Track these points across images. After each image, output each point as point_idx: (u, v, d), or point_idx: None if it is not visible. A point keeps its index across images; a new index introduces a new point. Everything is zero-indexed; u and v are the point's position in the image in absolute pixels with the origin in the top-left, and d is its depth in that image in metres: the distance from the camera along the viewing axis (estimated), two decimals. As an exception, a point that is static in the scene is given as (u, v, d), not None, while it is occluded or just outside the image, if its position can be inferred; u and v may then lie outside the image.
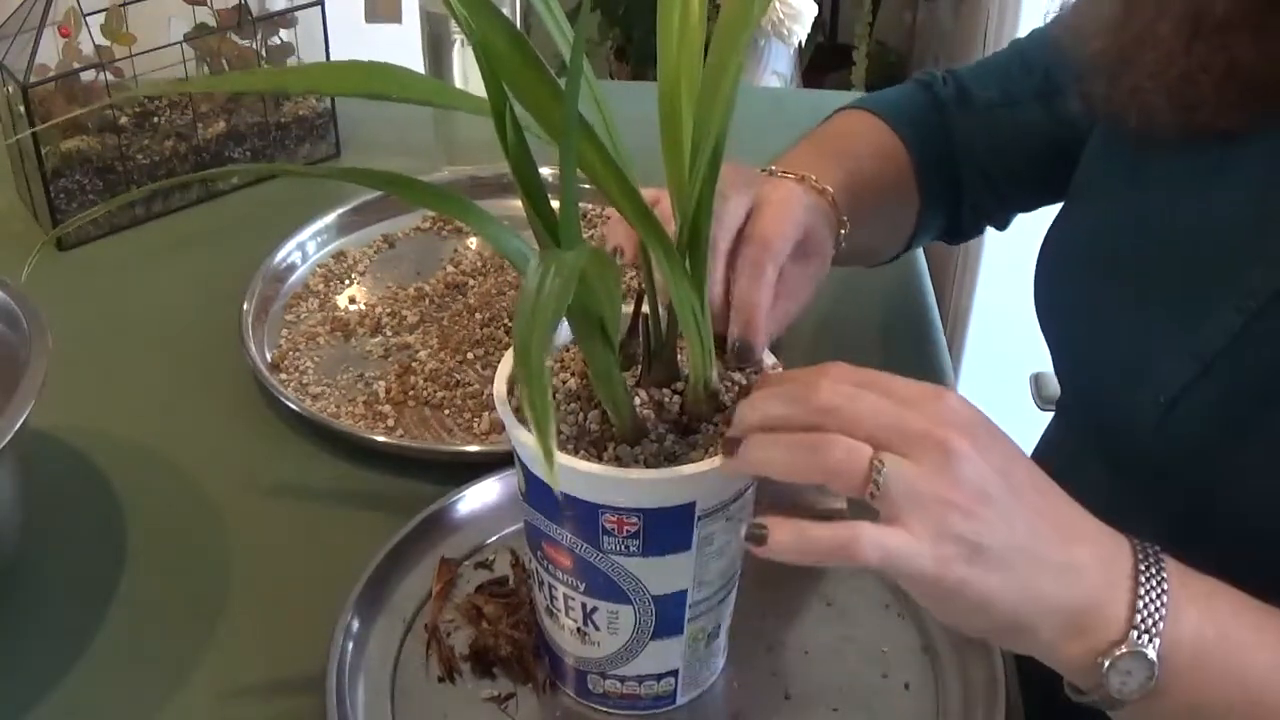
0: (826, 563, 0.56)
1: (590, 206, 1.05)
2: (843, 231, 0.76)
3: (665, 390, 0.59)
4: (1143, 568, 0.53)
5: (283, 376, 0.89)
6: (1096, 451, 0.76)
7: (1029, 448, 0.89)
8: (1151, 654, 0.52)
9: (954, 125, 0.85)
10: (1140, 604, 0.53)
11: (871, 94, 0.89)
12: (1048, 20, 0.86)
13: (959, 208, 0.87)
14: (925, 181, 0.85)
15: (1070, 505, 0.55)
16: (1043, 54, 0.84)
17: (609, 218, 0.74)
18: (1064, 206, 0.78)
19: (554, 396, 0.60)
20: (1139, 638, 0.52)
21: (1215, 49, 0.62)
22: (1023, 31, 1.31)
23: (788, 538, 0.51)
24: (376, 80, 0.51)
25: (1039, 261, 0.77)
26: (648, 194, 0.60)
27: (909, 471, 0.51)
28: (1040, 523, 0.53)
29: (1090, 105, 0.71)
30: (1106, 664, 0.52)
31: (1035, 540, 0.52)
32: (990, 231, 0.93)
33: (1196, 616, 0.53)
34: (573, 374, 0.61)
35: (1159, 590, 0.53)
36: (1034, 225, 0.80)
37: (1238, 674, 0.53)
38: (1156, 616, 0.52)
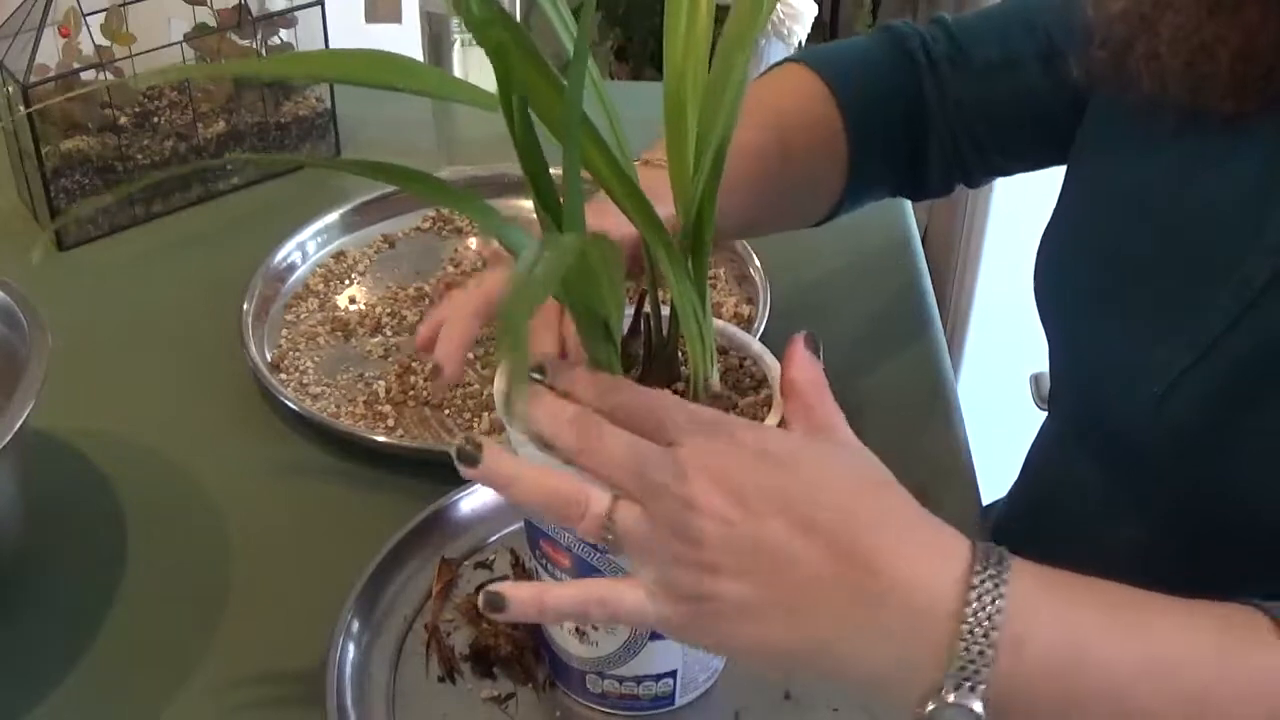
0: (569, 621, 0.56)
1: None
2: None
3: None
4: (974, 594, 0.48)
5: (283, 376, 0.89)
6: (1089, 445, 0.76)
7: (1028, 447, 0.89)
8: (976, 705, 0.47)
9: (940, 84, 0.82)
10: (962, 645, 0.47)
11: (825, 46, 0.85)
12: None
13: (924, 166, 0.84)
14: (862, 145, 0.81)
15: (885, 527, 0.50)
16: (1045, 15, 0.80)
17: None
18: (1062, 192, 0.77)
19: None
20: (956, 689, 0.47)
21: (1234, 22, 0.62)
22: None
23: (530, 601, 0.51)
24: (383, 70, 0.51)
25: (1039, 254, 0.77)
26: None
27: (638, 524, 0.49)
28: (815, 561, 0.49)
29: (1095, 71, 0.70)
30: (929, 709, 0.48)
31: (803, 583, 0.49)
32: (991, 230, 0.93)
33: (1047, 638, 0.48)
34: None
35: (988, 624, 0.48)
36: (1034, 224, 0.80)
37: (1104, 689, 0.49)
38: (980, 662, 0.47)
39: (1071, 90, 0.77)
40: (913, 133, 0.84)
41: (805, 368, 0.55)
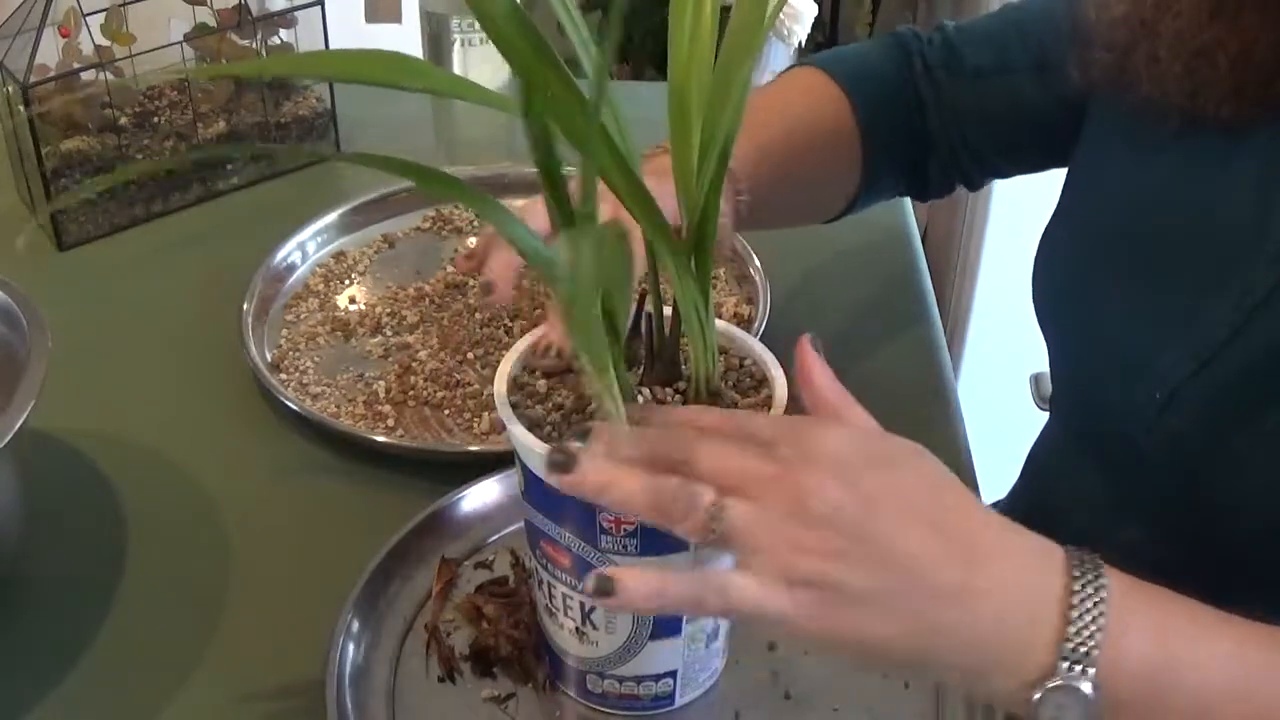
0: (681, 613, 0.55)
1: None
2: (742, 198, 0.75)
3: (667, 389, 0.59)
4: (1077, 587, 0.49)
5: (283, 376, 0.89)
6: (1090, 449, 0.76)
7: (1028, 448, 0.89)
8: (1086, 687, 0.48)
9: (936, 87, 0.84)
10: (1072, 629, 0.49)
11: (835, 50, 0.87)
12: None
13: (925, 168, 0.86)
14: (875, 144, 0.83)
15: (985, 525, 0.52)
16: (1039, 26, 0.82)
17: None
18: (1061, 198, 0.78)
19: (556, 396, 0.60)
20: (1070, 668, 0.48)
21: (1234, 27, 0.62)
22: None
23: (643, 591, 0.49)
24: (390, 69, 0.50)
25: (1038, 255, 0.77)
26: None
27: (750, 515, 0.49)
28: (931, 548, 0.49)
29: (1093, 75, 0.70)
30: (1037, 697, 0.49)
31: (923, 569, 0.49)
32: (991, 230, 0.93)
33: (1142, 638, 0.50)
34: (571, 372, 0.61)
35: (1095, 613, 0.49)
36: (1034, 224, 0.80)
37: (1190, 695, 0.50)
38: (1092, 644, 0.48)
39: (1065, 99, 0.78)
40: (915, 135, 0.84)
41: (821, 372, 0.55)
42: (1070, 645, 0.49)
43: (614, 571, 0.50)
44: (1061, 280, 0.75)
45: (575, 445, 0.51)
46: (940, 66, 0.84)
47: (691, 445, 0.51)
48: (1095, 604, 0.49)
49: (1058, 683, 0.49)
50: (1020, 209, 0.95)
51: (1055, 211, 0.77)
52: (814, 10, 1.96)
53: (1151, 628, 0.50)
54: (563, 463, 0.51)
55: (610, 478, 0.51)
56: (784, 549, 0.49)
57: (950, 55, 0.84)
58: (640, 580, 0.49)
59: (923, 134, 0.85)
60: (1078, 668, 0.48)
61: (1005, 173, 0.88)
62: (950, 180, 0.88)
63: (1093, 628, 0.49)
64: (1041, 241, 0.77)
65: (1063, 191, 0.78)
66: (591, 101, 0.46)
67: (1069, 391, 0.79)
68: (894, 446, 0.53)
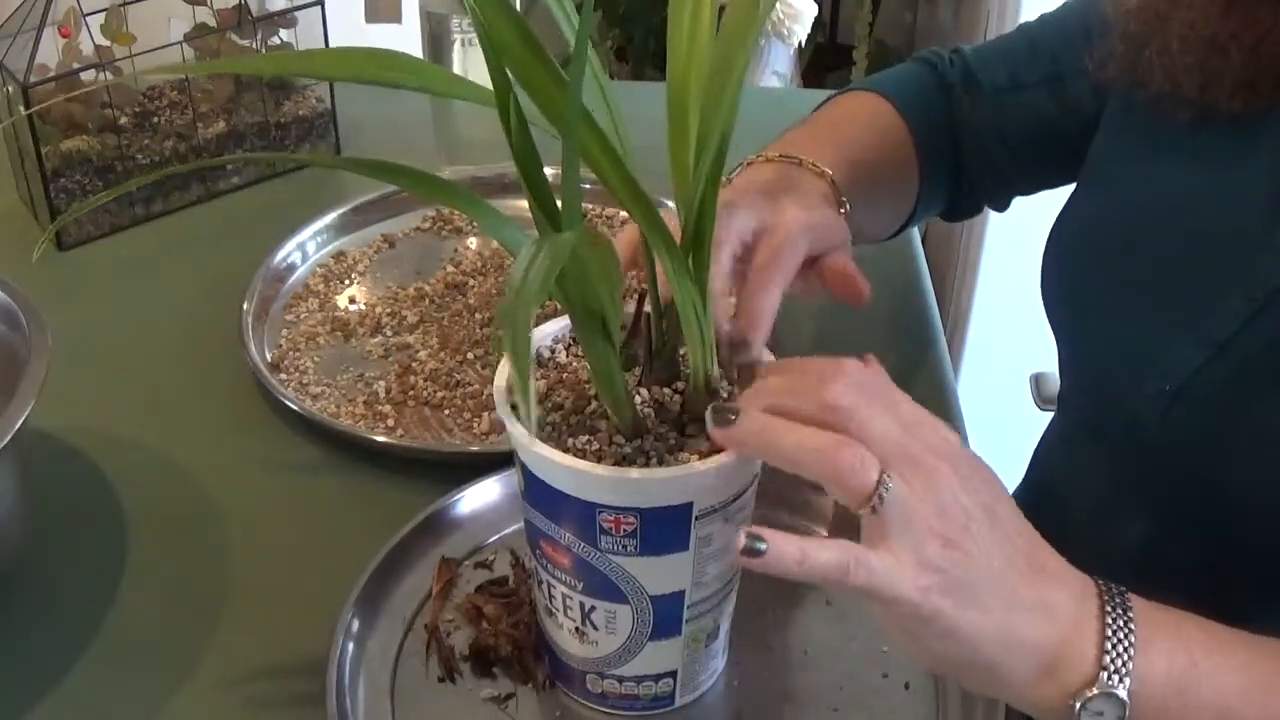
0: (816, 582, 0.55)
1: (591, 207, 1.05)
2: (843, 211, 0.76)
3: (666, 390, 0.59)
4: (1109, 607, 0.53)
5: (283, 376, 0.89)
6: (1097, 444, 0.76)
7: (1029, 448, 0.89)
8: (1122, 693, 0.52)
9: (959, 106, 0.85)
10: (1109, 643, 0.52)
11: (877, 75, 0.89)
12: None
13: (959, 188, 0.88)
14: (927, 163, 0.85)
15: (1042, 544, 0.55)
16: (1051, 40, 0.84)
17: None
18: (1074, 192, 0.78)
19: (555, 396, 0.60)
20: (1109, 678, 0.52)
21: (1247, 19, 0.63)
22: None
23: (793, 552, 0.50)
24: (388, 68, 0.51)
25: (1047, 247, 0.77)
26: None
27: (908, 495, 0.51)
28: (1017, 560, 0.53)
29: (1109, 70, 0.71)
30: (1078, 705, 0.52)
31: (1012, 577, 0.52)
32: (992, 230, 0.93)
33: (1166, 650, 0.53)
34: (568, 373, 0.61)
35: (1126, 629, 0.53)
36: (1035, 224, 0.80)
37: (1213, 701, 0.53)
38: (1126, 656, 0.52)
39: (1080, 111, 0.79)
40: (951, 156, 0.86)
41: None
42: (1109, 658, 0.52)
43: (764, 531, 0.50)
44: (1071, 275, 0.75)
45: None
46: (959, 86, 0.86)
47: (854, 403, 0.52)
48: (1125, 622, 0.53)
49: (1096, 692, 0.52)
50: (1021, 209, 0.95)
51: (1064, 208, 0.78)
52: (814, 10, 1.96)
53: (1173, 642, 0.54)
54: (726, 418, 0.52)
55: (779, 430, 0.52)
56: (925, 533, 0.51)
57: (968, 76, 0.86)
58: (788, 543, 0.50)
59: (956, 155, 0.86)
60: (1115, 678, 0.52)
61: (1026, 190, 0.90)
62: (978, 200, 0.90)
63: (1126, 643, 0.53)
64: (1050, 237, 0.77)
65: (1075, 188, 0.78)
66: (573, 75, 0.46)
67: (1078, 386, 0.79)
68: (986, 467, 0.55)
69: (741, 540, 0.50)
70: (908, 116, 0.84)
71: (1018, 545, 0.53)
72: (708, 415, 0.53)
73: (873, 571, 0.50)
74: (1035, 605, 0.52)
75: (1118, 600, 0.54)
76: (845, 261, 0.71)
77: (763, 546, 0.50)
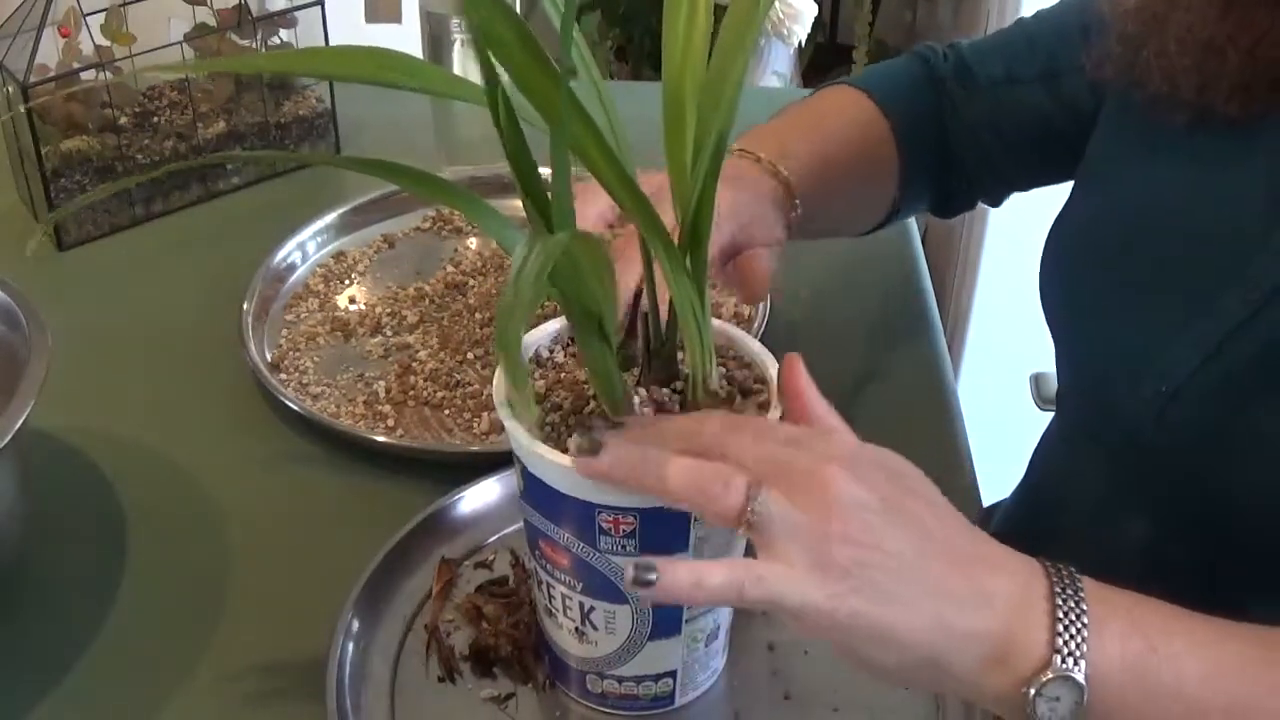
0: (716, 604, 0.55)
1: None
2: (795, 213, 0.76)
3: (665, 389, 0.59)
4: (1058, 589, 0.52)
5: (283, 376, 0.89)
6: (1095, 444, 0.76)
7: (1029, 448, 0.89)
8: (1079, 676, 0.50)
9: (953, 101, 0.85)
10: (1060, 626, 0.51)
11: (866, 69, 0.89)
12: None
13: (949, 183, 0.87)
14: (910, 158, 0.84)
15: (975, 534, 0.54)
16: (1048, 36, 0.84)
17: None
18: (1071, 193, 0.78)
19: (555, 396, 0.60)
20: (1063, 661, 0.50)
21: (1244, 22, 0.63)
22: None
23: (685, 577, 0.49)
24: (386, 67, 0.51)
25: (1045, 248, 0.77)
26: (650, 181, 0.61)
27: (785, 507, 0.50)
28: (941, 552, 0.51)
29: (1106, 70, 0.71)
30: (1032, 692, 0.50)
31: (934, 567, 0.51)
32: (991, 230, 0.93)
33: (1121, 633, 0.52)
34: (564, 371, 0.61)
35: (1077, 610, 0.51)
36: (1034, 224, 0.80)
37: (1172, 686, 0.51)
38: (1079, 638, 0.51)
39: (1077, 107, 0.79)
40: (941, 151, 0.86)
41: (810, 387, 0.57)
42: (1061, 640, 0.51)
43: (656, 560, 0.50)
44: (1068, 277, 0.75)
45: (599, 434, 0.52)
46: (953, 79, 0.85)
47: (720, 436, 0.52)
48: (1076, 603, 0.51)
49: (1051, 676, 0.50)
50: (1020, 209, 0.95)
51: (1063, 209, 0.78)
52: (814, 10, 1.96)
53: (1126, 625, 0.52)
54: (590, 448, 0.52)
55: (643, 459, 0.51)
56: (817, 536, 0.50)
57: (963, 70, 0.86)
58: (680, 570, 0.50)
59: (946, 149, 0.86)
60: (1070, 660, 0.50)
61: (1023, 186, 0.90)
62: (972, 196, 0.90)
63: (1079, 624, 0.51)
64: (1048, 239, 0.77)
65: (1071, 192, 0.78)
66: (563, 59, 0.46)
67: (1076, 387, 0.79)
68: (898, 460, 0.54)
69: (630, 573, 0.49)
70: (889, 111, 0.84)
71: (937, 535, 0.52)
72: (570, 444, 0.52)
73: (767, 583, 0.49)
74: (970, 594, 0.51)
75: (1067, 581, 0.52)
76: (759, 260, 0.72)
77: (652, 577, 0.49)
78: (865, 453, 0.53)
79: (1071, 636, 0.51)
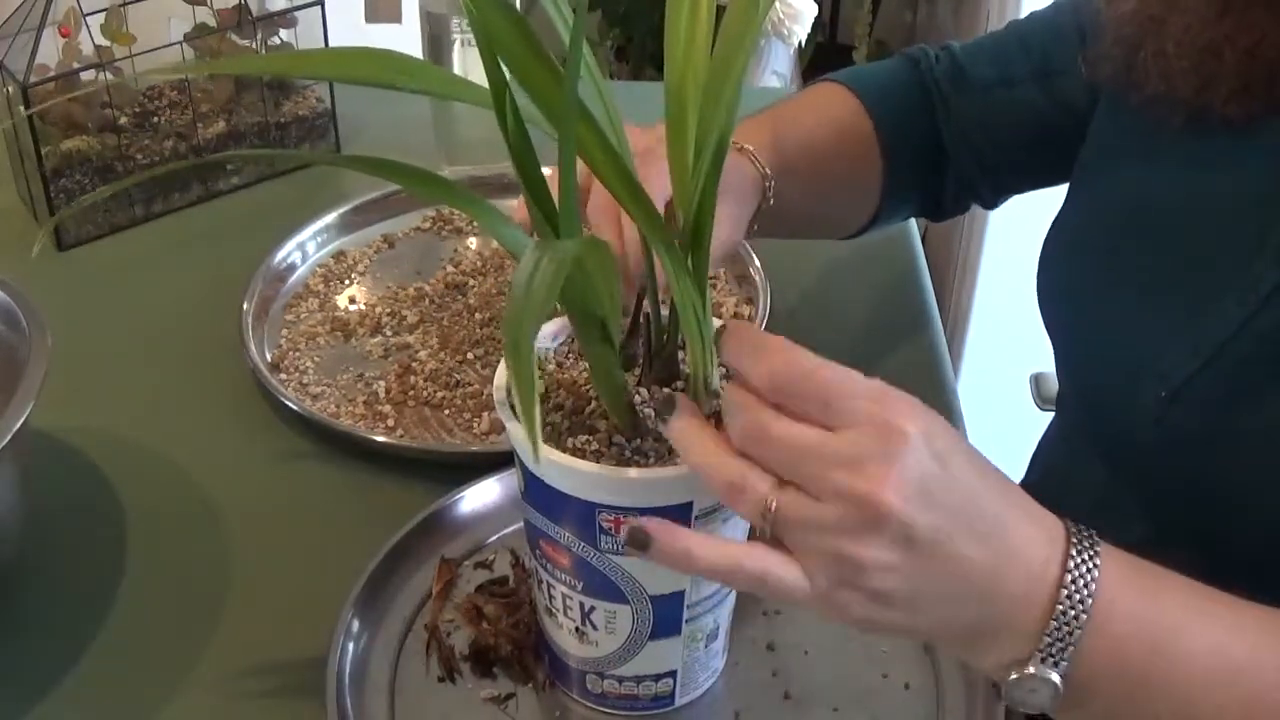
0: (716, 580, 0.55)
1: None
2: (768, 185, 0.75)
3: (666, 389, 0.59)
4: (1074, 552, 0.52)
5: (283, 376, 0.89)
6: (1094, 446, 0.76)
7: (1029, 448, 0.89)
8: (1054, 677, 0.51)
9: (945, 102, 0.85)
10: (1064, 593, 0.51)
11: (855, 68, 0.89)
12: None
13: (941, 185, 0.87)
14: (895, 159, 0.84)
15: (1009, 506, 0.53)
16: (1042, 36, 0.83)
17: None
18: (1068, 196, 0.78)
19: (555, 397, 0.60)
20: (1043, 660, 0.51)
21: (1242, 23, 0.62)
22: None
23: (676, 545, 0.50)
24: (385, 67, 0.51)
25: (1043, 252, 0.77)
26: (640, 138, 0.61)
27: (804, 513, 0.50)
28: (977, 566, 0.51)
29: (1102, 72, 0.71)
30: (1012, 677, 0.52)
31: (964, 590, 0.51)
32: (991, 230, 0.93)
33: (1119, 635, 0.52)
34: (563, 371, 0.61)
35: (1088, 579, 0.51)
36: (1034, 224, 0.80)
37: (1166, 689, 0.52)
38: (1067, 641, 0.51)
39: (1071, 108, 0.79)
40: (931, 153, 0.86)
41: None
42: (1048, 639, 0.51)
43: (647, 524, 0.50)
44: (1066, 279, 0.75)
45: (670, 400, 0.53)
46: (947, 80, 0.85)
47: (762, 426, 0.51)
48: (1086, 584, 0.51)
49: (1029, 671, 0.51)
50: (1020, 209, 0.95)
51: (1060, 211, 0.78)
52: (814, 10, 1.96)
53: (1140, 610, 0.52)
54: (664, 411, 0.53)
55: (697, 440, 0.52)
56: (829, 551, 0.50)
57: (956, 71, 0.85)
58: (674, 537, 0.51)
59: (938, 152, 0.86)
60: (1050, 659, 0.51)
61: (1017, 188, 0.89)
62: (965, 199, 0.89)
63: (1084, 592, 0.51)
64: (1046, 241, 0.77)
65: (1068, 194, 0.78)
66: (569, 73, 0.46)
67: (1075, 389, 0.79)
68: (951, 442, 0.53)
69: (625, 535, 0.51)
70: (873, 111, 0.83)
71: (977, 550, 0.51)
72: (661, 401, 0.53)
73: (773, 580, 0.50)
74: (988, 595, 0.51)
75: (1085, 565, 0.52)
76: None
77: (647, 541, 0.51)
78: (929, 462, 0.50)
79: (1060, 639, 0.51)
